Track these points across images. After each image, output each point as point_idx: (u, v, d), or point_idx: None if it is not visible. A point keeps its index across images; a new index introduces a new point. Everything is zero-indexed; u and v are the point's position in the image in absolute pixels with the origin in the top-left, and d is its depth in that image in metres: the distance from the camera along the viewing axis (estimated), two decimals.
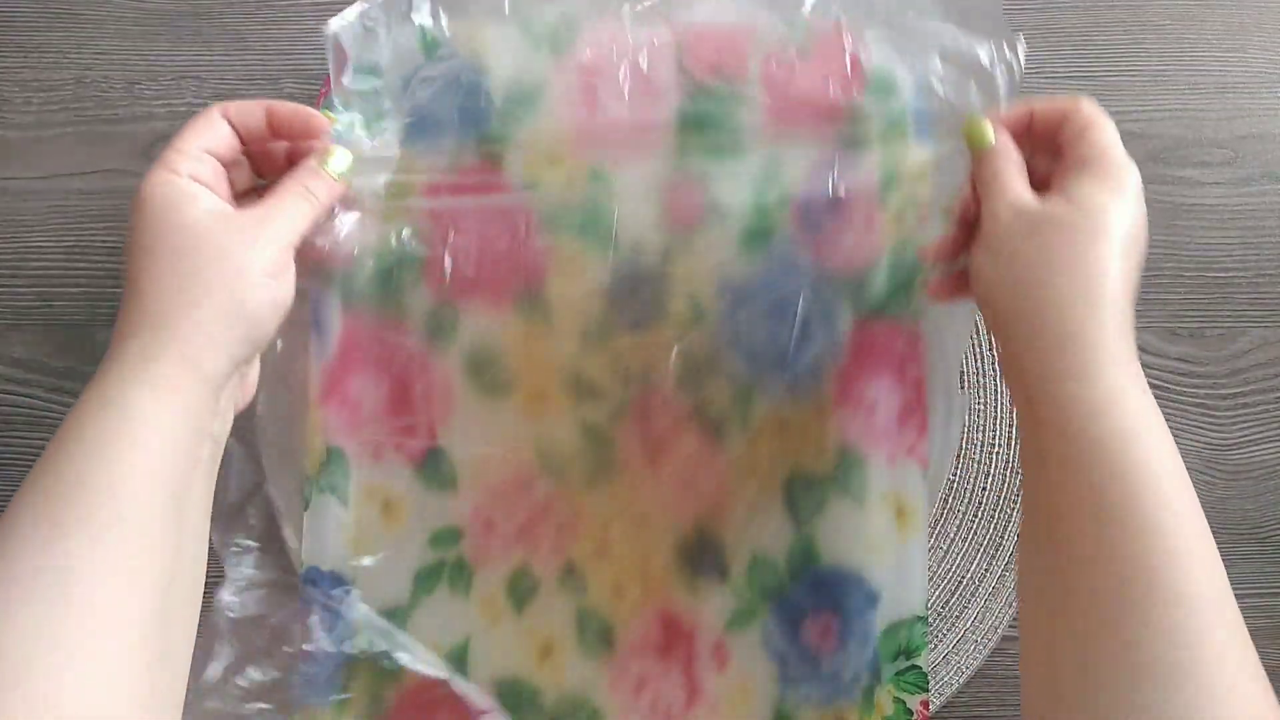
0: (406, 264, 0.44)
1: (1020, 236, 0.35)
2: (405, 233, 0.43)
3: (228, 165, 0.37)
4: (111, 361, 0.33)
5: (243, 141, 0.38)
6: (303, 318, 0.44)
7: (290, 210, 0.36)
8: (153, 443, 0.32)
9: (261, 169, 0.39)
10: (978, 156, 0.38)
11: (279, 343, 0.44)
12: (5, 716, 0.27)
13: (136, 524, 0.31)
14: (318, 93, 0.44)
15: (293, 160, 0.39)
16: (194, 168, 0.36)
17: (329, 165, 0.38)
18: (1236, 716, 0.29)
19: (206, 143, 0.36)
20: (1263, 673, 0.30)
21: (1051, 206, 0.35)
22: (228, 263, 0.34)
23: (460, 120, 0.43)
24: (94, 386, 0.33)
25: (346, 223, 0.41)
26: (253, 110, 0.38)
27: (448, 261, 0.43)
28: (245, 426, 0.50)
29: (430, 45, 0.43)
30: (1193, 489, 0.32)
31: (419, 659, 0.41)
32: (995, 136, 0.38)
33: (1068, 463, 0.33)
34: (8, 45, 0.50)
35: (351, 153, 0.39)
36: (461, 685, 0.41)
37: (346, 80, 0.41)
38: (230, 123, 0.37)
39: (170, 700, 0.32)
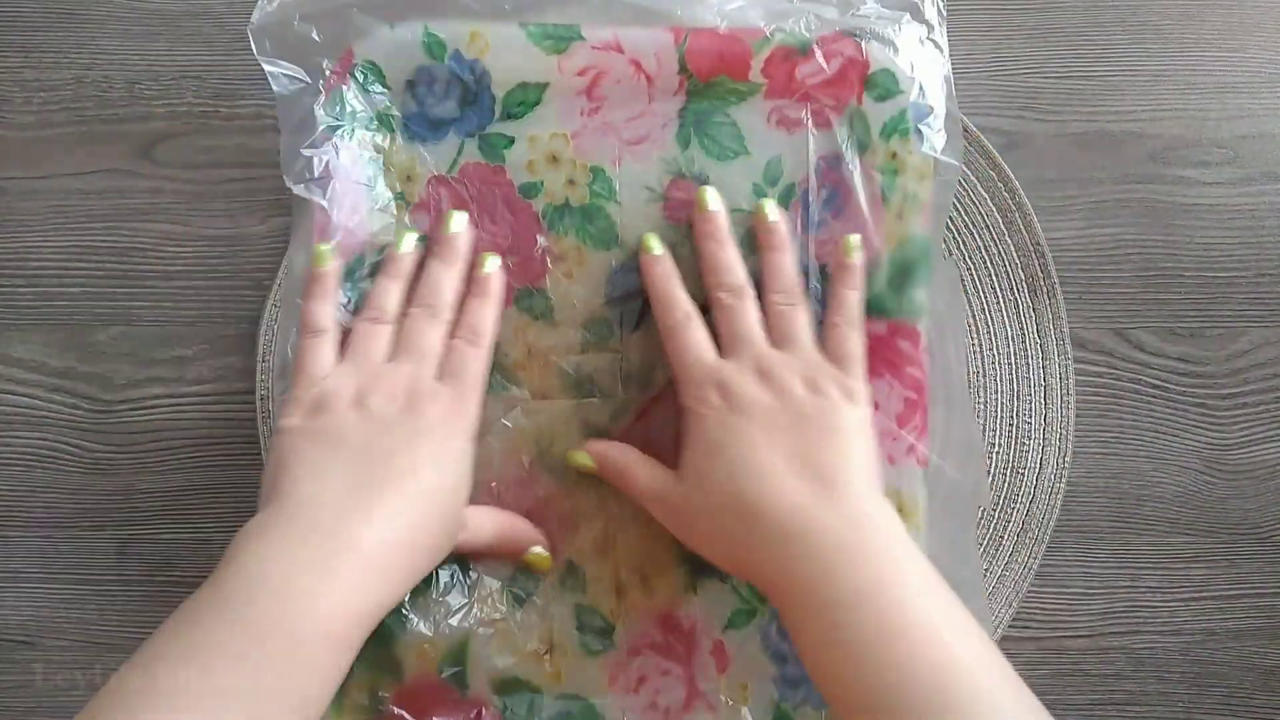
0: None
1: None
2: (408, 232, 0.43)
3: None
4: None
5: None
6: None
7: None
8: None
9: None
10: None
11: (280, 338, 0.44)
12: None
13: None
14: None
15: None
16: None
17: None
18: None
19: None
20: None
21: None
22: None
23: (462, 119, 0.43)
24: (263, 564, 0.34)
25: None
26: None
27: None
28: (248, 421, 0.50)
29: (434, 45, 0.43)
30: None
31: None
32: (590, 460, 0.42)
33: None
34: (8, 45, 0.50)
35: None
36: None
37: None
38: None
39: None
